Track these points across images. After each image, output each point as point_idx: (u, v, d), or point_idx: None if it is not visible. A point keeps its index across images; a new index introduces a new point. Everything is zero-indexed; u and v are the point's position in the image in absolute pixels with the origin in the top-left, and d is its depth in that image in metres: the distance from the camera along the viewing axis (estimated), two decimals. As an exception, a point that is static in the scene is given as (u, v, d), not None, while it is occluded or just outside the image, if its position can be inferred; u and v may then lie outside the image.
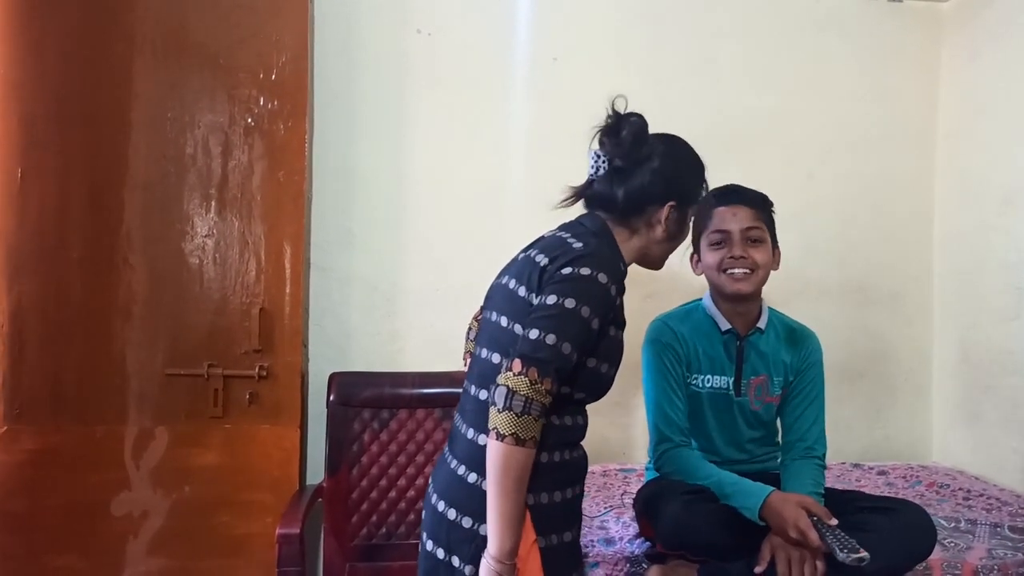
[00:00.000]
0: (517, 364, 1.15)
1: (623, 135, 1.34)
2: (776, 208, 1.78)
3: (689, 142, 1.43)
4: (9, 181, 2.04)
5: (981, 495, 2.12)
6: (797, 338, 1.77)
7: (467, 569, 1.22)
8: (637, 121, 1.35)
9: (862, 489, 2.15)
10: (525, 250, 1.38)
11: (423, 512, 1.36)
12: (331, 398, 2.16)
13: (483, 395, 1.27)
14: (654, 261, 1.43)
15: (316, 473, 2.21)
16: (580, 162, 1.41)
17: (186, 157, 2.12)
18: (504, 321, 1.28)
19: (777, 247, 1.76)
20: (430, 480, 1.37)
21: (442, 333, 2.31)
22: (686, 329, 1.74)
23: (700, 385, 1.73)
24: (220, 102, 2.13)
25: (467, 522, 1.23)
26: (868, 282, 2.56)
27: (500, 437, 1.13)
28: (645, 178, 1.34)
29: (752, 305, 1.73)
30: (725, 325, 1.72)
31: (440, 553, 1.27)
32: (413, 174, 2.34)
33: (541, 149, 2.39)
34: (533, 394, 1.13)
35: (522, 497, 1.17)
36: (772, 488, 1.49)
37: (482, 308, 1.42)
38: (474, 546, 1.21)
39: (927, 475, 2.31)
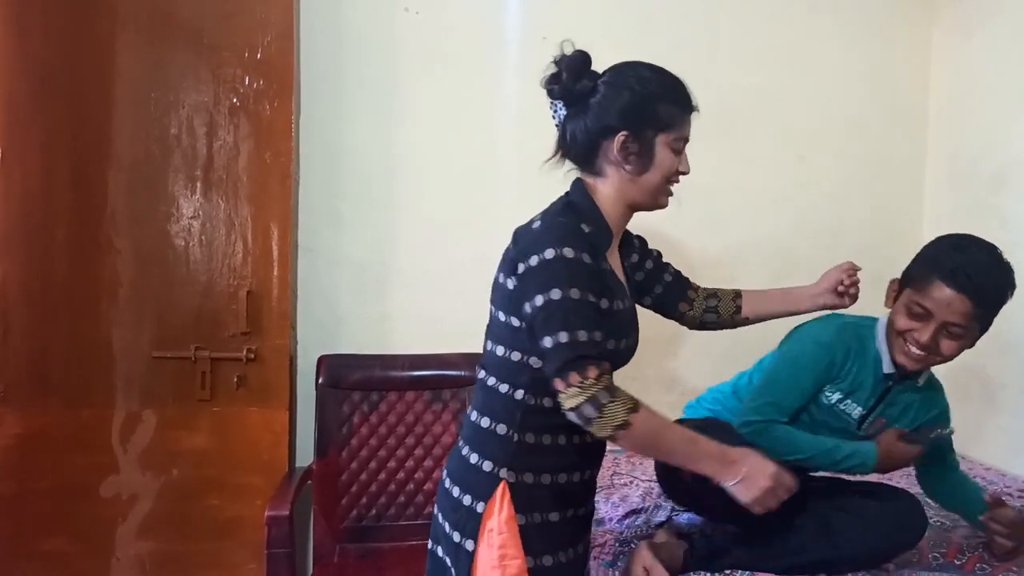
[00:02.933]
0: (558, 383, 1.13)
1: (563, 76, 1.27)
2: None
3: (655, 63, 1.32)
4: (-9, 161, 2.02)
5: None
6: (933, 393, 1.67)
7: (468, 544, 1.23)
8: (572, 56, 1.27)
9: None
10: None
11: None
12: (320, 380, 2.15)
13: (490, 381, 1.27)
14: (644, 204, 1.31)
15: (305, 455, 2.20)
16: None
17: (171, 137, 2.09)
18: (501, 316, 1.27)
19: (975, 340, 1.51)
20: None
21: (432, 315, 2.30)
22: (857, 348, 1.58)
23: (828, 401, 1.58)
24: (205, 81, 2.10)
25: (467, 500, 1.24)
26: (859, 262, 2.54)
27: (613, 439, 1.14)
28: (588, 114, 1.26)
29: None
30: (888, 368, 1.56)
31: (446, 527, 1.29)
32: (402, 155, 2.32)
33: (531, 129, 2.34)
34: (588, 395, 1.11)
35: (677, 443, 1.19)
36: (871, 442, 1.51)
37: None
38: (474, 523, 1.21)
39: (915, 455, 2.32)
